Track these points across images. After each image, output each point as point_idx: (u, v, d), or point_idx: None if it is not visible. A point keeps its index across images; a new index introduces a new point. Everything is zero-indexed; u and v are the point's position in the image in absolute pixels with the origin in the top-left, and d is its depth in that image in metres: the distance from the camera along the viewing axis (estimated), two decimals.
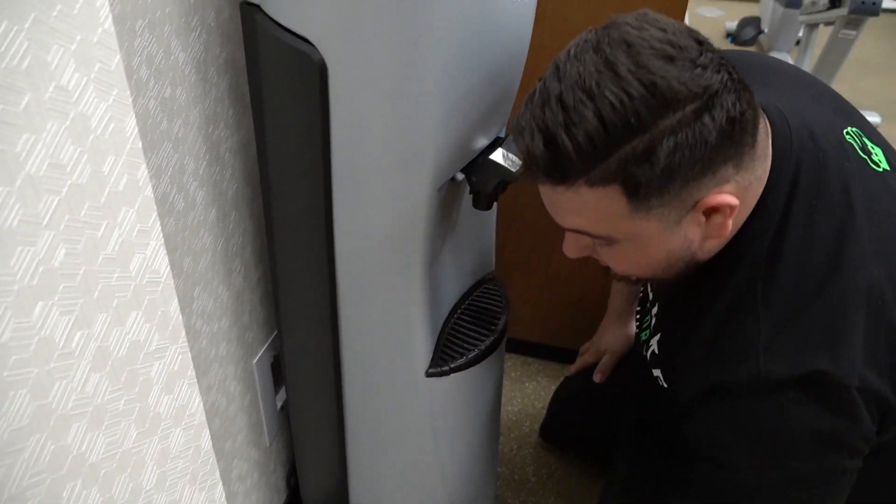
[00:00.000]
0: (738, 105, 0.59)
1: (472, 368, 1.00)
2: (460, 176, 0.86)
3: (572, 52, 0.62)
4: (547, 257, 1.42)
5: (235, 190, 0.95)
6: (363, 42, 0.70)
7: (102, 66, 0.43)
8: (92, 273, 0.45)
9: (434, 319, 0.96)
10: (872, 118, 2.68)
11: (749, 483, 0.68)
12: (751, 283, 0.68)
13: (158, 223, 0.47)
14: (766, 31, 3.38)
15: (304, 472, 1.22)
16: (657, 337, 0.85)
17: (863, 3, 2.24)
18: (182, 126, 0.80)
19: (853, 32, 2.42)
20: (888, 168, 0.74)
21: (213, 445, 0.64)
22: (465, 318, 1.05)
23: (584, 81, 0.58)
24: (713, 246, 0.70)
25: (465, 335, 1.02)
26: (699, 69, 0.58)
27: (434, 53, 0.70)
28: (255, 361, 1.09)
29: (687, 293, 0.78)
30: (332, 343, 0.97)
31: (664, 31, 0.59)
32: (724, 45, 3.48)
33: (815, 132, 0.70)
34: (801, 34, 2.91)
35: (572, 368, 1.37)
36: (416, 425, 1.01)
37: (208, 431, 0.62)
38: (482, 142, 0.85)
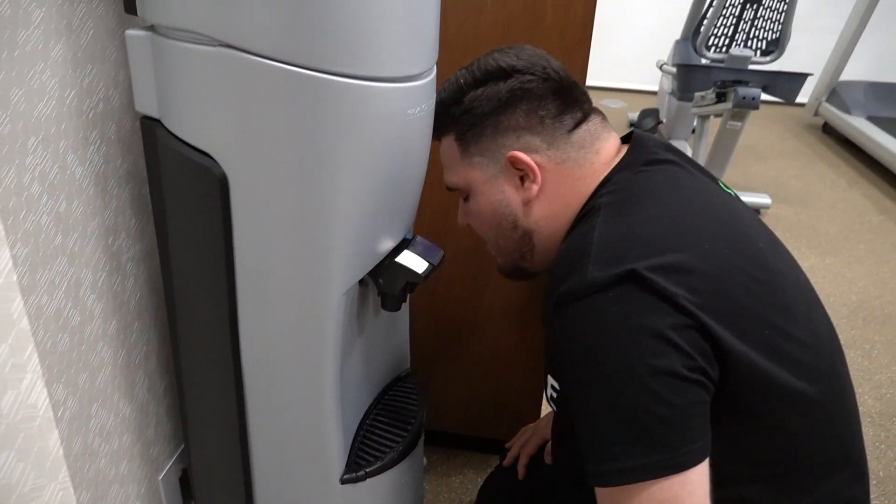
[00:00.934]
0: (539, 90, 0.80)
1: (389, 471, 0.97)
2: (368, 278, 0.87)
3: None
4: (465, 348, 1.43)
5: (138, 299, 0.92)
6: (263, 156, 0.72)
7: None
8: None
9: (347, 423, 0.95)
10: (763, 200, 2.90)
11: (599, 398, 0.68)
12: (589, 221, 0.76)
13: (35, 355, 0.45)
14: (664, 121, 3.65)
15: None
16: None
17: (744, 98, 2.46)
18: (79, 239, 0.78)
19: (739, 123, 2.64)
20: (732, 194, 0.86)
21: None
22: (381, 418, 1.03)
23: (457, 72, 0.86)
24: (539, 218, 0.83)
25: (380, 436, 1.00)
26: (521, 62, 0.81)
27: (335, 166, 0.73)
28: (160, 478, 1.03)
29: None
30: (242, 453, 0.93)
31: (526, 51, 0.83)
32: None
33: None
34: (695, 124, 3.16)
35: (509, 458, 1.35)
36: None
37: None
38: (388, 245, 0.87)
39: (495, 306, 1.34)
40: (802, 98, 3.48)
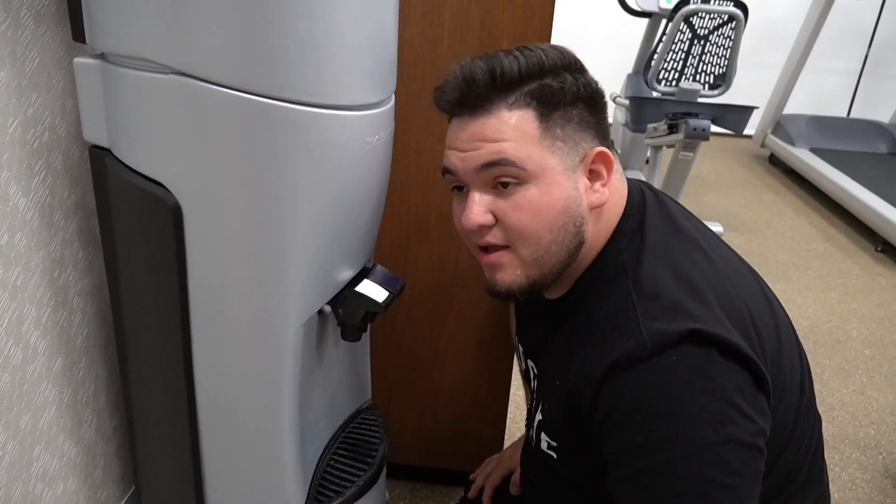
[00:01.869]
0: (602, 97, 0.77)
1: None
2: (327, 308, 0.86)
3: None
4: (427, 380, 1.42)
5: (86, 335, 0.88)
6: (218, 185, 0.71)
7: None
8: None
9: (307, 458, 0.92)
10: (716, 228, 2.98)
11: (667, 471, 0.66)
12: (622, 284, 0.73)
13: None
14: (619, 151, 3.74)
15: None
16: (540, 407, 0.86)
17: (694, 129, 2.54)
18: (21, 273, 0.75)
19: (690, 154, 2.72)
20: None
21: None
22: (342, 452, 1.01)
23: (496, 52, 0.74)
24: (591, 229, 0.76)
25: (341, 471, 0.98)
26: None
27: (292, 195, 0.72)
28: None
29: (561, 332, 0.81)
30: (196, 493, 0.90)
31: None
32: None
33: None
34: (648, 155, 3.24)
35: (473, 489, 1.32)
36: None
37: None
38: (347, 274, 0.86)
39: (456, 336, 1.33)
40: (749, 130, 3.61)
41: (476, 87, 0.72)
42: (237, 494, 0.89)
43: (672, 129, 2.71)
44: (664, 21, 2.78)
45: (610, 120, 0.81)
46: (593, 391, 0.71)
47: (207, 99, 0.67)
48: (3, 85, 0.72)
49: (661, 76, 2.74)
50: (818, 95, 4.32)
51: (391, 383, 1.41)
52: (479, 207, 0.74)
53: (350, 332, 0.88)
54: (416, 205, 1.21)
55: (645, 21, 3.19)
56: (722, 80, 2.76)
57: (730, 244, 0.87)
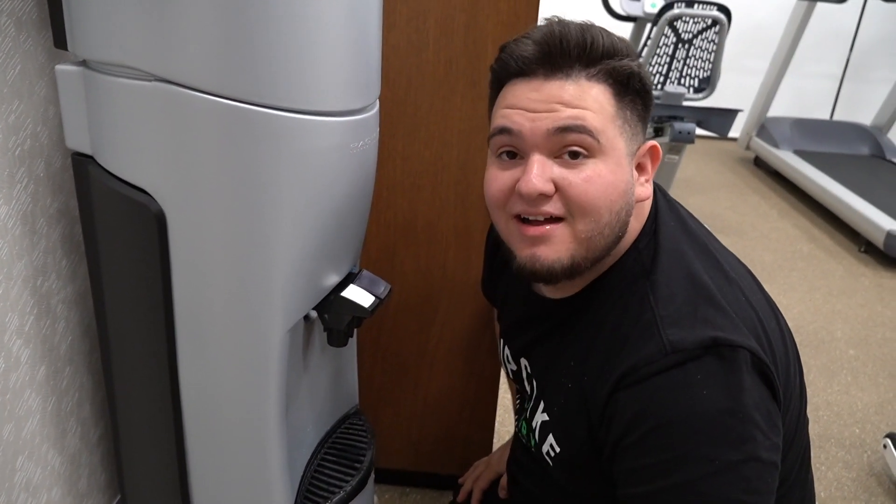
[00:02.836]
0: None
1: None
2: (313, 314, 0.86)
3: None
4: (414, 384, 1.42)
5: (70, 344, 0.88)
6: (202, 192, 0.70)
7: None
8: None
9: (294, 464, 0.92)
10: None
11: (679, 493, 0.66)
12: (640, 286, 0.73)
13: None
14: None
15: None
16: (542, 407, 0.86)
17: (680, 132, 2.56)
18: (3, 281, 0.75)
19: (676, 157, 2.74)
20: None
21: None
22: (329, 457, 1.00)
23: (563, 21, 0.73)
24: (633, 223, 0.76)
25: (329, 476, 0.97)
26: None
27: (277, 201, 0.72)
28: None
29: (568, 332, 0.81)
30: (182, 501, 0.89)
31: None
32: None
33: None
34: None
35: (462, 493, 1.32)
36: None
37: None
38: (333, 279, 0.86)
39: (443, 340, 1.33)
40: (734, 133, 3.64)
41: (567, 47, 0.69)
42: (224, 501, 0.89)
43: (657, 132, 2.73)
44: (649, 25, 2.80)
45: None
46: (608, 395, 0.70)
47: (190, 106, 0.66)
48: None
49: None
50: (801, 98, 4.37)
51: (378, 388, 1.41)
52: (544, 174, 0.69)
53: (336, 338, 0.88)
54: (403, 210, 1.21)
55: (630, 25, 3.22)
56: (706, 84, 2.79)
57: None
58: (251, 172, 0.70)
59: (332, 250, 0.83)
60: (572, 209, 0.70)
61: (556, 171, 0.69)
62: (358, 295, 0.87)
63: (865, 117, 4.01)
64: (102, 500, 0.99)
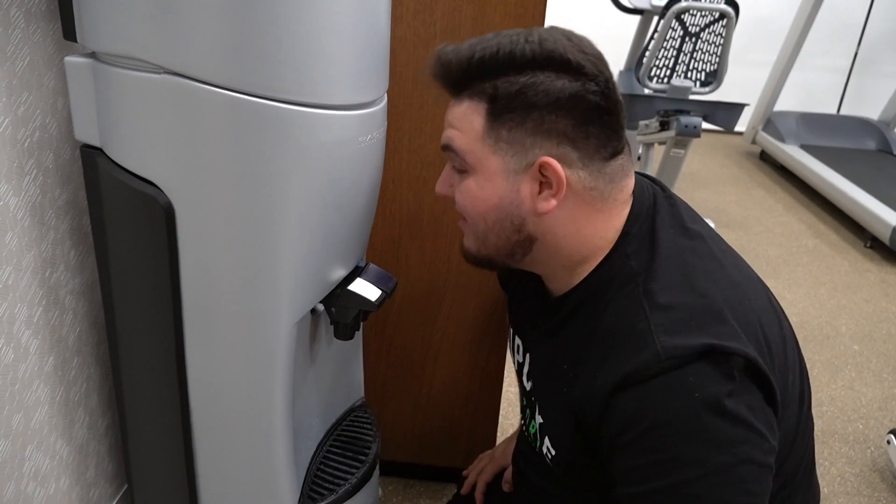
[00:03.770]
0: (598, 105, 0.71)
1: (344, 503, 0.95)
2: (320, 307, 0.86)
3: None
4: (419, 377, 1.42)
5: (78, 334, 0.88)
6: (211, 185, 0.71)
7: None
8: None
9: (300, 456, 0.92)
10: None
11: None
12: (632, 292, 0.73)
13: None
14: None
15: None
16: (538, 408, 0.86)
17: (686, 126, 2.55)
18: (13, 272, 0.75)
19: (682, 151, 2.73)
20: None
21: None
22: (335, 450, 1.01)
23: (503, 32, 0.73)
24: (546, 231, 0.76)
25: (334, 468, 0.98)
26: (589, 64, 0.71)
27: (284, 194, 0.72)
28: None
29: (563, 335, 0.81)
30: (189, 491, 0.90)
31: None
32: None
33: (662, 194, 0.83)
34: (640, 151, 3.25)
35: (466, 486, 1.33)
36: None
37: None
38: (340, 273, 0.86)
39: (448, 333, 1.33)
40: (740, 127, 3.63)
41: (450, 71, 0.74)
42: (230, 492, 0.89)
43: (663, 126, 2.72)
44: (656, 18, 2.79)
45: None
46: (604, 401, 0.70)
47: (199, 99, 0.67)
48: None
49: (652, 73, 2.74)
50: (808, 92, 4.34)
51: (383, 381, 1.41)
52: (443, 182, 0.80)
53: (343, 331, 0.88)
54: (409, 203, 1.21)
55: (636, 18, 3.20)
56: (713, 78, 2.78)
57: None
58: (259, 165, 0.70)
59: (340, 244, 0.83)
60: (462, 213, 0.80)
61: (454, 179, 0.79)
62: (364, 289, 0.87)
63: (873, 111, 3.99)
64: (109, 490, 1.00)
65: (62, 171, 0.82)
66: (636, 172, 0.82)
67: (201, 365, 0.81)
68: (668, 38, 2.68)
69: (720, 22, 2.64)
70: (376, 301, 0.86)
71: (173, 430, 0.85)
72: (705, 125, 2.60)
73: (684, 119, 2.54)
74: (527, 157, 0.72)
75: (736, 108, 2.62)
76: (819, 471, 1.65)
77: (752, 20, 3.84)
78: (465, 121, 0.73)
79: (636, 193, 0.79)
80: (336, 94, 0.72)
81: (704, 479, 0.65)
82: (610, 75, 0.73)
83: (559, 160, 0.71)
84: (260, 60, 0.66)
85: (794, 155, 3.57)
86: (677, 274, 0.73)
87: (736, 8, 2.57)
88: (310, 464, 0.97)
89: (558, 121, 0.71)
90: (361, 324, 0.94)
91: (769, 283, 2.76)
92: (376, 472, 1.04)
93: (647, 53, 2.72)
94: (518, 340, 0.97)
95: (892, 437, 1.61)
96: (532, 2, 1.07)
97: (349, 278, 0.88)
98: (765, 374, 0.68)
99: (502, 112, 0.71)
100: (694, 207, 0.85)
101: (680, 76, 2.79)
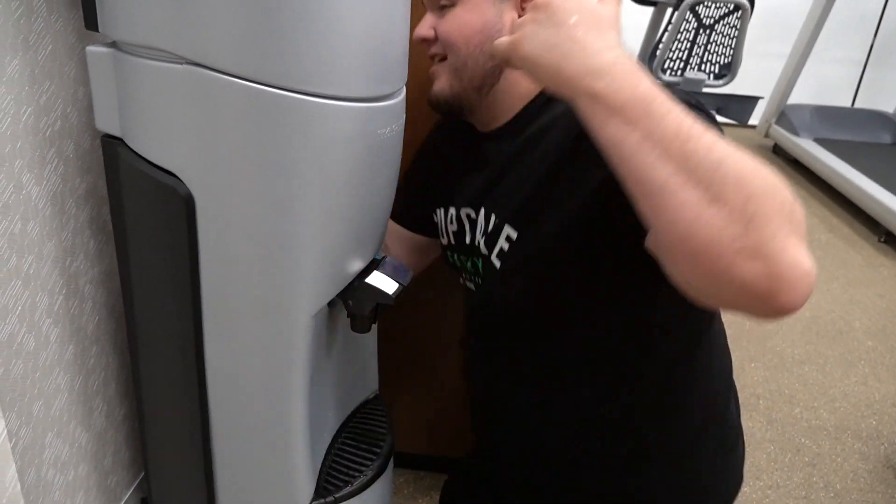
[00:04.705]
0: None
1: (359, 496, 0.95)
2: (337, 300, 0.86)
3: None
4: (431, 369, 1.43)
5: (97, 323, 0.89)
6: (231, 176, 0.71)
7: None
8: None
9: (316, 448, 0.92)
10: None
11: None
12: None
13: None
14: None
15: None
16: (504, 231, 0.87)
17: None
18: (34, 261, 0.75)
19: None
20: None
21: None
22: (349, 442, 1.01)
23: None
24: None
25: (349, 461, 0.98)
26: None
27: (304, 186, 0.72)
28: None
29: (522, 155, 0.85)
30: (205, 480, 0.90)
31: None
32: None
33: None
34: None
35: None
36: None
37: None
38: (357, 265, 0.86)
39: (459, 324, 1.33)
40: (754, 120, 3.60)
41: None
42: (246, 482, 0.90)
43: None
44: (670, 10, 2.76)
45: None
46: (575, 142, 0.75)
47: (220, 89, 0.66)
48: (17, 73, 0.71)
49: (666, 65, 2.73)
50: (822, 85, 4.30)
51: (395, 372, 1.42)
52: (426, 24, 0.89)
53: (360, 324, 0.88)
54: None
55: (650, 9, 3.17)
56: (727, 70, 2.76)
57: None
58: (279, 157, 0.70)
59: (358, 236, 0.83)
60: (443, 45, 0.87)
61: (435, 20, 0.88)
62: (382, 281, 0.87)
63: (888, 105, 3.95)
64: (126, 478, 1.01)
65: (82, 160, 0.82)
66: None
67: (219, 355, 0.81)
68: (682, 29, 2.66)
69: (735, 14, 2.62)
70: (393, 293, 0.86)
71: (190, 419, 0.86)
72: (718, 118, 2.58)
73: None
74: None
75: (750, 102, 2.60)
76: (832, 467, 1.65)
77: (767, 11, 3.80)
78: None
79: None
80: (356, 85, 0.72)
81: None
82: None
83: None
84: (280, 52, 0.66)
85: (808, 148, 3.55)
86: None
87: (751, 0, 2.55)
88: (325, 455, 0.97)
89: None
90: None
91: None
92: (390, 464, 1.05)
93: (661, 45, 2.70)
94: (452, 211, 0.98)
95: None
96: None
97: (366, 271, 0.88)
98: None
99: None
100: None
101: (693, 68, 2.78)
